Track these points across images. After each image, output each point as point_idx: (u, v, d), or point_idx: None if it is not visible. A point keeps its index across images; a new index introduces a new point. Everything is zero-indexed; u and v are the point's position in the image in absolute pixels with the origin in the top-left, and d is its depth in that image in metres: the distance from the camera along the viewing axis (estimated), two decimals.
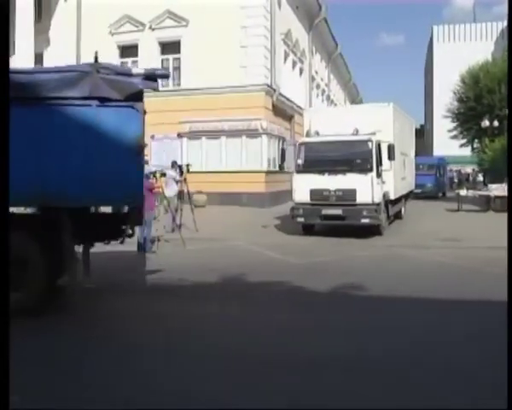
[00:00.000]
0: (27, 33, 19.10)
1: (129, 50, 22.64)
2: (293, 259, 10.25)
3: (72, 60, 19.78)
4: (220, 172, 20.26)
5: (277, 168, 19.68)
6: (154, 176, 11.85)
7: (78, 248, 6.66)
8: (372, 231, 12.91)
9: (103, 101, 5.87)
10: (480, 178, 33.40)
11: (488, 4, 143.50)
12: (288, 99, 23.46)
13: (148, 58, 21.86)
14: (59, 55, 19.53)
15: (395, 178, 14.22)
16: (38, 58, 21.27)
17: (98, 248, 8.04)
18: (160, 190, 12.31)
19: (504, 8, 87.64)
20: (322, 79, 34.24)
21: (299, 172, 13.40)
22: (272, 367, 4.46)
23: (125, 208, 6.65)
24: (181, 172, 14.02)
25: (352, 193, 12.51)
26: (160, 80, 6.42)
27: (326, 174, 12.79)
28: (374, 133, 12.87)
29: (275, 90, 21.64)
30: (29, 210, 6.59)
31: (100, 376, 4.37)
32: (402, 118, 16.56)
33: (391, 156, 12.94)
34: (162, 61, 22.34)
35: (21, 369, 4.18)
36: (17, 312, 5.05)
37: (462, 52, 63.98)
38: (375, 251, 11.24)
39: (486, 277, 8.23)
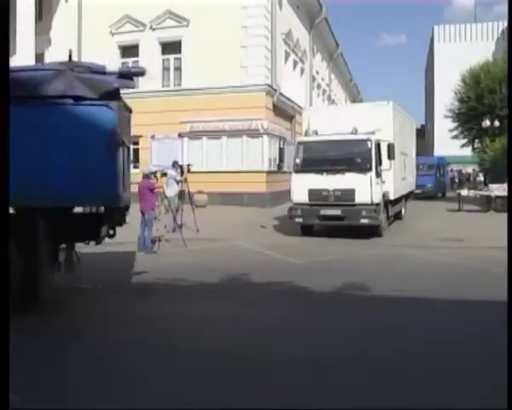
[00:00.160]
0: (28, 33, 19.10)
1: (130, 50, 22.65)
2: (294, 259, 10.25)
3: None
4: (221, 173, 20.26)
5: (276, 168, 19.71)
6: (155, 176, 11.87)
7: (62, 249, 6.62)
8: (371, 231, 12.80)
9: (77, 99, 5.79)
10: (481, 178, 33.35)
11: (489, 4, 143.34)
12: (288, 99, 23.46)
13: (149, 58, 21.89)
14: (60, 56, 19.52)
15: (395, 178, 14.11)
16: (39, 58, 21.28)
17: (98, 248, 8.04)
18: (161, 190, 12.32)
19: (505, 8, 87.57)
20: (323, 79, 34.22)
21: (297, 171, 13.30)
22: (272, 367, 4.46)
23: (101, 209, 6.51)
24: (182, 172, 14.04)
25: (350, 193, 12.41)
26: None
27: (325, 174, 12.70)
28: (373, 132, 12.77)
29: (275, 91, 21.64)
30: None
31: (99, 376, 4.37)
32: (402, 117, 16.45)
33: (390, 156, 12.84)
34: (163, 61, 22.38)
35: (21, 369, 4.19)
36: None
37: (462, 52, 63.85)
38: (375, 251, 11.23)
39: (487, 277, 8.23)
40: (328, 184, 12.63)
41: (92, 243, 7.10)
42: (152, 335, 5.48)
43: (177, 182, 14.03)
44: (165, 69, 22.45)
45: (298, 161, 13.35)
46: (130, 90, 25.61)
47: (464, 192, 20.50)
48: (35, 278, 6.08)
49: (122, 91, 6.23)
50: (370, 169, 12.35)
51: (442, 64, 69.54)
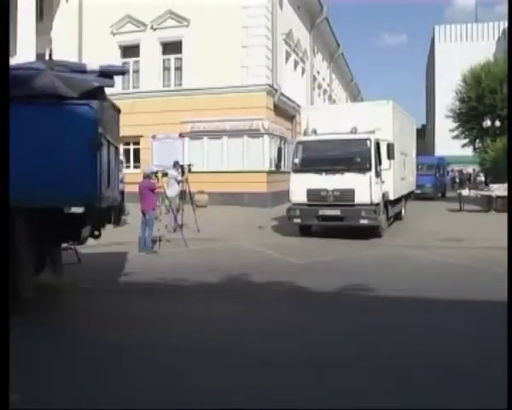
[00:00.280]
0: (29, 34, 19.13)
1: (130, 50, 22.67)
2: (294, 259, 10.25)
3: (74, 60, 19.80)
4: (222, 173, 20.27)
5: (274, 168, 19.63)
6: (156, 176, 11.87)
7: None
8: (371, 232, 12.68)
9: (58, 98, 5.74)
10: (481, 178, 33.31)
11: (490, 4, 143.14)
12: (289, 99, 23.46)
13: (150, 58, 21.94)
14: (61, 56, 19.54)
15: (395, 178, 13.98)
16: (40, 58, 21.29)
17: (98, 248, 8.06)
18: (162, 190, 12.33)
19: (506, 8, 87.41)
20: (323, 79, 34.22)
21: (296, 171, 13.18)
22: (272, 367, 4.46)
23: (81, 209, 6.37)
24: (182, 172, 14.05)
25: (350, 193, 12.30)
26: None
27: (323, 174, 12.59)
28: (373, 132, 12.65)
29: (276, 91, 21.64)
30: None
31: (99, 375, 4.38)
32: (402, 116, 16.31)
33: (390, 155, 12.69)
34: (164, 61, 22.39)
35: (21, 369, 4.20)
36: None
37: (463, 52, 63.87)
38: (375, 251, 11.22)
39: (487, 277, 8.23)
40: (327, 184, 12.51)
41: (92, 242, 7.06)
42: (152, 335, 5.48)
43: (178, 182, 14.04)
44: (166, 69, 22.46)
45: (296, 160, 13.24)
46: (131, 90, 25.72)
47: (465, 192, 20.48)
48: (14, 279, 5.88)
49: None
50: (370, 169, 12.23)
51: (443, 64, 69.52)
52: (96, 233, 7.19)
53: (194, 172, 14.44)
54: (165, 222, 13.52)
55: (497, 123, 29.60)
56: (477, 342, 5.11)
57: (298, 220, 13.14)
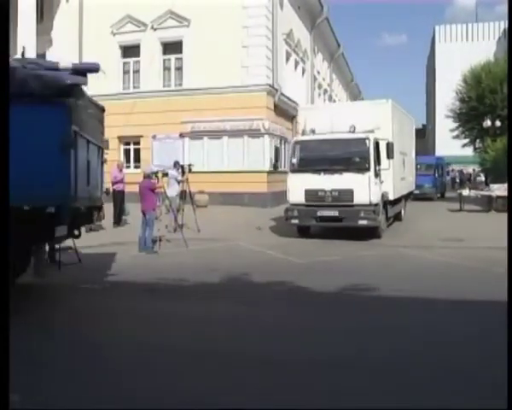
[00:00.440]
0: (29, 34, 19.13)
1: (131, 50, 22.66)
2: (294, 259, 10.26)
3: (74, 60, 19.77)
4: (222, 173, 20.25)
5: (272, 168, 19.61)
6: (156, 176, 11.88)
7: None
8: (370, 233, 12.55)
9: (30, 97, 5.67)
10: (481, 178, 33.30)
11: (490, 4, 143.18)
12: (289, 99, 23.45)
13: (150, 58, 21.93)
14: (61, 56, 19.56)
15: (394, 178, 13.79)
16: (41, 59, 21.31)
17: (99, 248, 8.06)
18: (162, 189, 12.33)
19: (506, 8, 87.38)
20: (324, 79, 34.20)
21: (293, 171, 13.04)
22: (272, 367, 4.47)
23: (52, 209, 6.13)
24: (183, 172, 14.05)
25: (348, 193, 12.16)
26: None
27: (322, 174, 12.43)
28: (372, 131, 12.51)
29: (277, 90, 21.63)
30: None
31: (99, 375, 4.38)
32: (401, 116, 16.16)
33: (390, 155, 12.55)
34: (164, 61, 22.37)
35: (21, 369, 4.20)
36: None
37: (464, 52, 63.88)
38: (375, 252, 11.20)
39: (487, 277, 8.23)
40: (325, 184, 12.37)
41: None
42: (152, 335, 5.49)
43: (179, 182, 14.05)
44: (167, 69, 22.45)
45: (294, 160, 13.11)
46: (132, 90, 25.65)
47: (465, 192, 20.47)
48: None
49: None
50: (369, 169, 12.09)
51: (443, 64, 69.54)
52: (76, 233, 7.09)
53: (194, 172, 14.44)
54: (165, 222, 13.52)
55: (498, 123, 29.59)
56: (477, 342, 5.11)
57: (295, 221, 12.98)
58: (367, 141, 12.25)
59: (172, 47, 22.09)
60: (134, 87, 22.44)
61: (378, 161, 12.47)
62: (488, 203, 19.19)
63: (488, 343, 4.95)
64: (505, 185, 18.15)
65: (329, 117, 13.30)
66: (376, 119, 12.90)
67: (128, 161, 22.37)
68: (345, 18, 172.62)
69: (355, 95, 49.37)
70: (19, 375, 3.95)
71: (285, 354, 4.81)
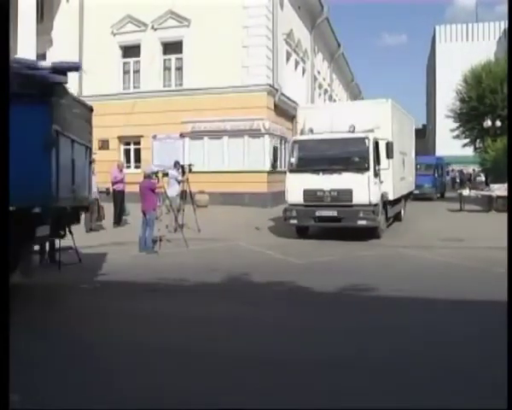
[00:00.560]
0: (29, 34, 19.15)
1: (131, 50, 22.67)
2: (294, 259, 10.26)
3: (74, 60, 19.82)
4: (222, 173, 20.27)
5: (270, 168, 19.57)
6: (157, 176, 11.88)
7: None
8: (369, 233, 12.48)
9: (12, 96, 5.60)
10: (482, 178, 33.30)
11: (490, 4, 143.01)
12: (290, 99, 23.45)
13: (150, 58, 21.94)
14: (61, 56, 19.55)
15: (394, 178, 13.69)
16: (41, 59, 21.32)
17: (99, 248, 8.06)
18: (162, 190, 12.33)
19: (506, 8, 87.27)
20: (324, 79, 34.20)
21: (292, 171, 12.94)
22: (272, 367, 4.47)
23: (35, 209, 6.05)
24: (183, 172, 14.06)
25: (347, 193, 12.06)
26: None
27: (320, 174, 12.32)
28: (371, 130, 12.42)
29: (277, 90, 21.63)
30: None
31: (99, 375, 4.39)
32: (401, 115, 16.07)
33: (389, 154, 12.45)
34: (164, 61, 22.39)
35: (21, 369, 4.20)
36: None
37: (464, 52, 63.83)
38: (374, 252, 11.20)
39: (487, 277, 8.23)
40: (324, 184, 12.27)
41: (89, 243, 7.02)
42: (152, 334, 5.49)
43: (179, 182, 14.05)
44: (167, 69, 22.46)
45: (293, 160, 13.02)
46: (132, 90, 25.66)
47: (466, 192, 20.46)
48: None
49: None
50: (368, 168, 12.00)
51: (443, 64, 69.52)
52: (62, 233, 7.02)
53: (194, 172, 14.44)
54: (165, 222, 13.52)
55: (498, 123, 29.57)
56: (477, 342, 5.11)
57: (294, 221, 12.88)
58: (366, 140, 12.16)
59: (173, 47, 22.10)
60: (134, 87, 22.44)
61: (378, 160, 12.38)
62: (488, 203, 19.18)
63: (488, 343, 4.95)
64: (505, 185, 18.14)
65: (329, 117, 13.19)
66: (376, 118, 12.83)
67: (128, 161, 22.39)
68: (345, 18, 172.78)
69: (355, 95, 49.36)
70: (19, 375, 3.95)
71: (285, 354, 4.82)
